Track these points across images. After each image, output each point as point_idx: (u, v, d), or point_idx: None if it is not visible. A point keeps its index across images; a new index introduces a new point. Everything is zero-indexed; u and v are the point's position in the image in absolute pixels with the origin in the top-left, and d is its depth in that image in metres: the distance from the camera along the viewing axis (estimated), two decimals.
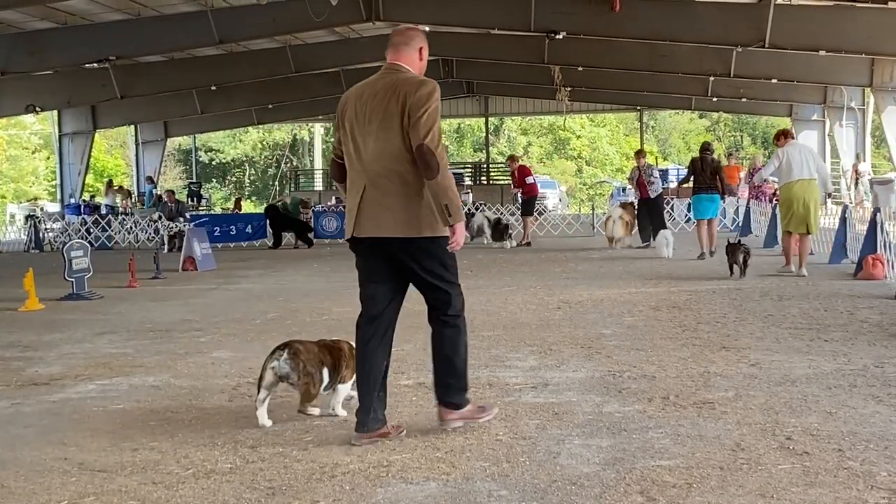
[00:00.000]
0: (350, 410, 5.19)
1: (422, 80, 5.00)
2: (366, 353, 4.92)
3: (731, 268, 12.57)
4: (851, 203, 23.29)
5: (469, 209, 26.12)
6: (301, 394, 5.25)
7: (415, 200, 4.85)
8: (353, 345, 5.04)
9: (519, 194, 21.06)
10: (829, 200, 29.83)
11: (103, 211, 31.96)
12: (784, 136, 13.06)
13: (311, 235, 23.87)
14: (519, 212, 22.68)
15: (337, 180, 5.28)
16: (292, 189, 46.06)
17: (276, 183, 60.63)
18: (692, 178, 15.88)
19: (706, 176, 15.63)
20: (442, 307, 4.98)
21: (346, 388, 5.41)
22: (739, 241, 13.01)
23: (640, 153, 20.40)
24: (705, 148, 16.32)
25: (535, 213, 23.35)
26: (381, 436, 4.84)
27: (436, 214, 4.82)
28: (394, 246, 4.87)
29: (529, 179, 21.08)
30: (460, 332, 5.03)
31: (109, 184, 38.75)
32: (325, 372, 5.28)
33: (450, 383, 5.00)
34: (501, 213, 25.15)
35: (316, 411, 5.32)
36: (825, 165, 14.16)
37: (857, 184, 32.50)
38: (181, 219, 22.67)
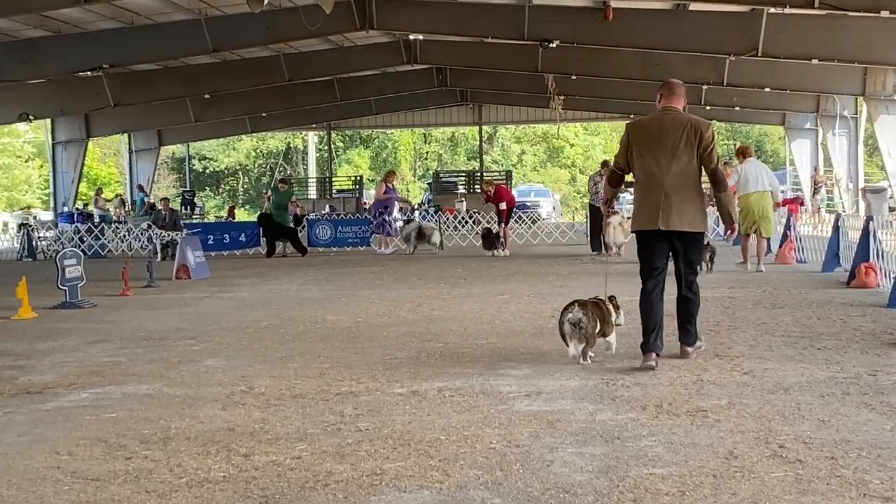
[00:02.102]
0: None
1: (707, 122, 7.08)
2: (652, 303, 6.98)
3: (702, 264, 14.14)
4: (844, 212, 23.39)
5: (407, 216, 26.35)
6: (587, 336, 6.90)
7: (700, 205, 7.05)
8: (607, 305, 7.19)
9: (499, 209, 21.09)
10: (822, 209, 30.27)
11: (96, 219, 31.92)
12: (742, 153, 15.09)
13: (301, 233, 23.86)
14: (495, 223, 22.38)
15: (613, 185, 7.64)
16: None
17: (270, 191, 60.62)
18: None
19: None
20: (690, 274, 7.11)
21: (613, 338, 7.26)
22: (708, 242, 14.43)
23: (605, 164, 20.82)
24: None
25: (530, 222, 23.47)
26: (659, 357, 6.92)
27: (703, 216, 7.07)
28: (681, 236, 6.96)
29: (507, 197, 21.61)
30: (696, 295, 7.18)
31: (98, 192, 38.77)
32: (598, 323, 7.00)
33: (689, 329, 7.15)
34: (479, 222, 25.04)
35: (587, 361, 6.99)
36: (776, 180, 15.84)
37: (815, 192, 33.00)
38: (175, 233, 22.10)
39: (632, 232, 7.36)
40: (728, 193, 7.21)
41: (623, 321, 7.54)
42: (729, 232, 7.60)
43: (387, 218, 22.44)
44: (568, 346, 6.98)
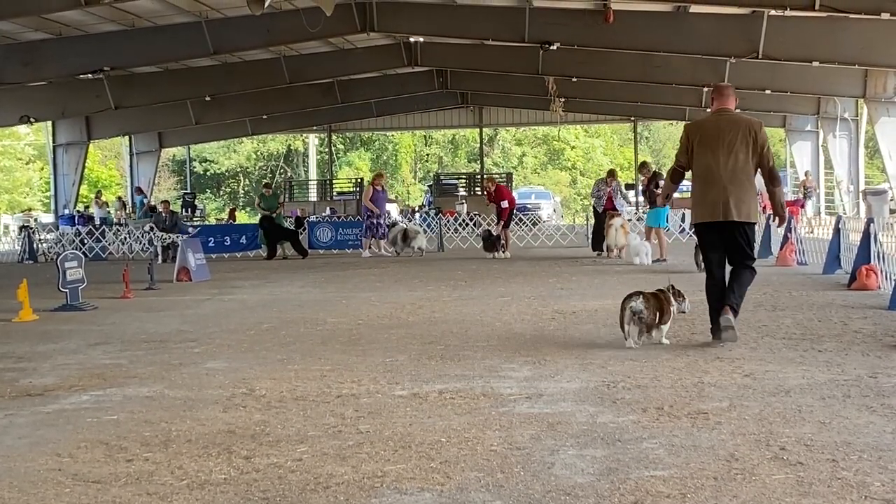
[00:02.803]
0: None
1: (759, 121, 7.93)
2: (718, 288, 7.84)
3: (697, 265, 14.30)
4: (845, 214, 23.43)
5: (393, 220, 26.49)
6: (647, 325, 7.65)
7: (754, 199, 7.86)
8: (667, 296, 7.80)
9: (500, 207, 21.28)
10: (822, 212, 30.43)
11: (97, 221, 31.93)
12: None
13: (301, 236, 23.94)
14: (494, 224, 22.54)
15: (674, 182, 8.39)
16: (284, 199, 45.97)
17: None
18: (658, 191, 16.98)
19: None
20: (748, 260, 7.86)
21: (667, 327, 7.86)
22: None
23: (612, 173, 20.89)
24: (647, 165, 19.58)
25: (531, 224, 23.70)
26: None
27: (756, 208, 7.96)
28: (736, 226, 7.73)
29: (508, 196, 21.85)
30: (753, 273, 7.91)
31: (98, 195, 38.78)
32: (657, 314, 7.69)
33: (733, 296, 7.72)
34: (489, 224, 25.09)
35: (637, 344, 7.71)
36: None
37: (805, 196, 33.16)
38: (179, 235, 21.98)
39: (692, 224, 8.35)
40: (779, 189, 8.01)
41: (688, 308, 8.16)
42: (778, 220, 8.44)
43: (375, 221, 22.42)
44: (623, 330, 7.71)
